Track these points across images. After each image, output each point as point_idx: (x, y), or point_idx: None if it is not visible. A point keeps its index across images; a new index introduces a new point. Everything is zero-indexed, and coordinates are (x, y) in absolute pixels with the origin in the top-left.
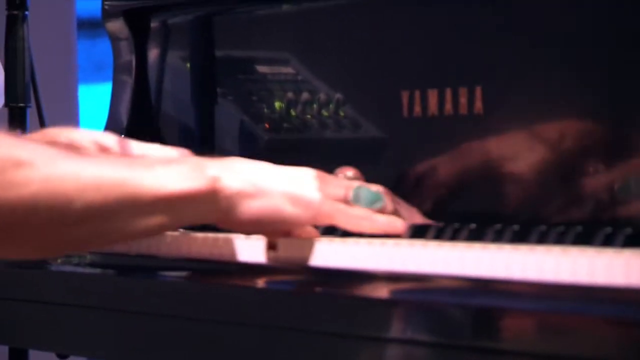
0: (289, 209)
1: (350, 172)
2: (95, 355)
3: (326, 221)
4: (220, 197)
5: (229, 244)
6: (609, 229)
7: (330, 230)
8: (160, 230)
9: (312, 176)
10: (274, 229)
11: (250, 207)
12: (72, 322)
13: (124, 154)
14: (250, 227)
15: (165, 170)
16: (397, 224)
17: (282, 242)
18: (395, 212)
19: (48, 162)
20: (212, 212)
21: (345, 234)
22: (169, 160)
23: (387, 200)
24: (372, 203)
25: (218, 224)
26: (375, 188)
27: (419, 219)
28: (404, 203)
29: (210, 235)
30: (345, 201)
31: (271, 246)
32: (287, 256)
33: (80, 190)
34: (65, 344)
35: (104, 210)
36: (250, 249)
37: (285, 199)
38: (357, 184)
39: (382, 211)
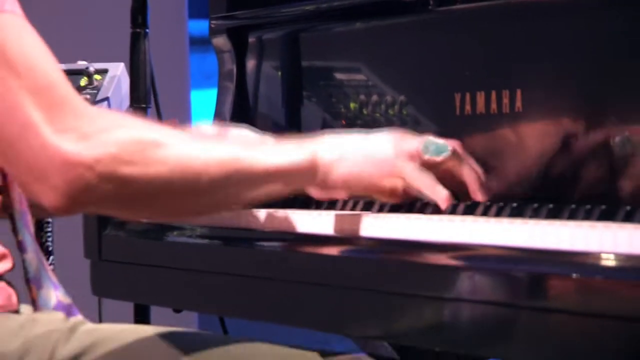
0: (368, 169)
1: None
2: (203, 309)
3: (399, 176)
4: (318, 166)
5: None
6: (629, 207)
7: (398, 207)
8: (270, 197)
9: (389, 137)
10: (360, 188)
11: (340, 172)
12: (185, 283)
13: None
14: (343, 188)
15: (274, 148)
16: (445, 203)
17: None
18: (462, 165)
19: (180, 143)
20: (312, 179)
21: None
22: (276, 142)
23: (456, 151)
24: (440, 152)
25: (315, 193)
26: (443, 141)
27: (479, 177)
28: (472, 161)
29: (299, 211)
30: (419, 155)
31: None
32: (358, 228)
33: (206, 166)
34: (179, 301)
35: (224, 182)
36: (323, 222)
37: (364, 161)
38: (427, 137)
39: (448, 159)
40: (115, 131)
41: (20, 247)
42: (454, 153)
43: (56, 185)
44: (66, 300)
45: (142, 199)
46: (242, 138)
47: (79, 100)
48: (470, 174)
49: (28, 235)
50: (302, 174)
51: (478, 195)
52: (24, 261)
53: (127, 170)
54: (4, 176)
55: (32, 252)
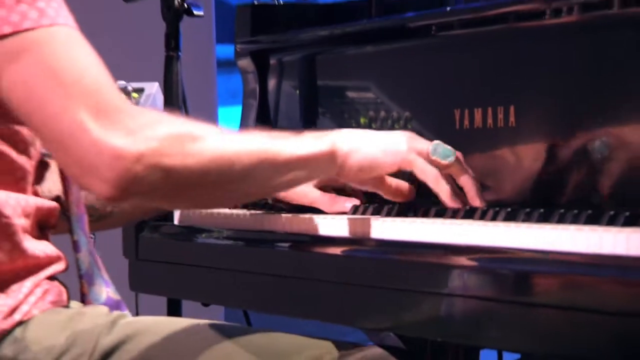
0: (381, 157)
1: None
2: (229, 304)
3: (408, 167)
4: (337, 155)
5: (309, 221)
6: (612, 212)
7: (404, 212)
8: (295, 183)
9: (403, 134)
10: (374, 174)
11: (356, 159)
12: (213, 280)
13: None
14: (359, 174)
15: (297, 139)
16: (451, 198)
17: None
18: (462, 172)
19: (214, 136)
20: (332, 167)
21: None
22: (298, 133)
23: (459, 158)
24: (446, 156)
25: (325, 207)
26: (450, 147)
27: (477, 185)
28: (471, 172)
29: (314, 215)
30: (427, 155)
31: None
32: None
33: (238, 156)
34: (207, 296)
35: (255, 170)
36: (336, 225)
37: (378, 150)
38: (437, 141)
39: (451, 164)
40: (157, 127)
41: (75, 247)
42: (458, 160)
43: (106, 178)
44: (116, 296)
45: (183, 188)
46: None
47: (123, 101)
48: (469, 181)
49: (83, 236)
50: (323, 161)
51: (476, 201)
52: (77, 260)
53: (168, 161)
54: (64, 182)
55: (86, 252)
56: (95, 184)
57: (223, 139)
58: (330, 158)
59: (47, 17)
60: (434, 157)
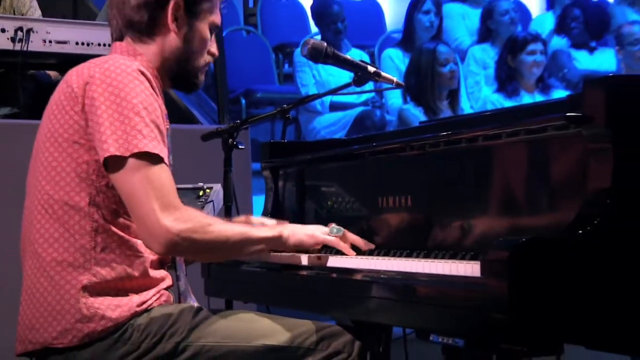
0: (306, 240)
1: (334, 224)
2: (258, 302)
3: (321, 244)
4: (283, 237)
5: (297, 257)
6: (464, 253)
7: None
8: (261, 251)
9: (316, 227)
10: (303, 248)
11: (292, 241)
12: (249, 289)
13: (251, 223)
14: (293, 249)
15: (262, 229)
16: (349, 250)
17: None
18: (349, 237)
19: (219, 224)
20: (279, 243)
21: (341, 253)
22: (264, 226)
23: (346, 232)
24: (338, 232)
25: (280, 249)
26: (338, 227)
27: (366, 244)
28: (356, 235)
29: (296, 253)
30: (328, 235)
31: (316, 258)
32: (322, 263)
33: (231, 235)
34: (246, 298)
35: (239, 243)
36: (305, 259)
37: (305, 236)
38: (332, 225)
39: (342, 235)
40: (192, 219)
41: (177, 279)
42: (344, 233)
43: (160, 242)
44: (197, 305)
45: (202, 251)
46: (258, 221)
47: (178, 201)
48: (354, 237)
49: (182, 273)
50: (274, 240)
51: (364, 248)
52: (179, 286)
53: (196, 236)
54: None
55: (183, 282)
56: (154, 244)
57: (224, 226)
58: (279, 239)
59: (155, 148)
60: (333, 234)
